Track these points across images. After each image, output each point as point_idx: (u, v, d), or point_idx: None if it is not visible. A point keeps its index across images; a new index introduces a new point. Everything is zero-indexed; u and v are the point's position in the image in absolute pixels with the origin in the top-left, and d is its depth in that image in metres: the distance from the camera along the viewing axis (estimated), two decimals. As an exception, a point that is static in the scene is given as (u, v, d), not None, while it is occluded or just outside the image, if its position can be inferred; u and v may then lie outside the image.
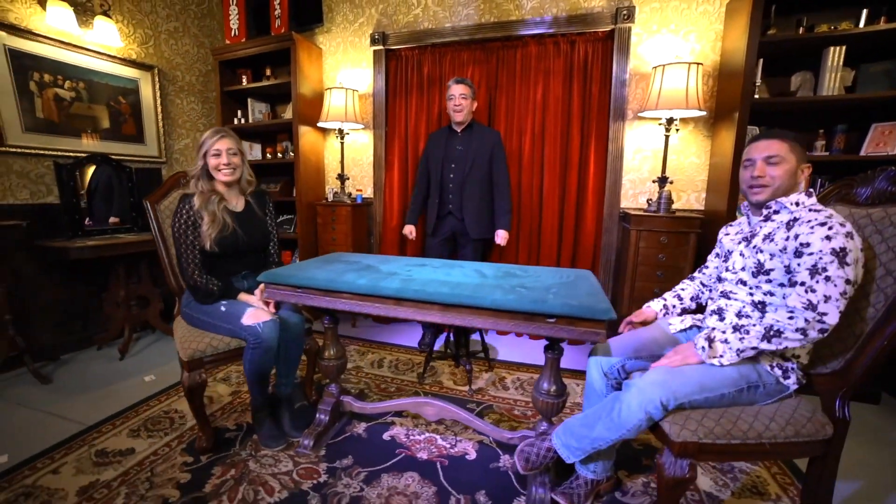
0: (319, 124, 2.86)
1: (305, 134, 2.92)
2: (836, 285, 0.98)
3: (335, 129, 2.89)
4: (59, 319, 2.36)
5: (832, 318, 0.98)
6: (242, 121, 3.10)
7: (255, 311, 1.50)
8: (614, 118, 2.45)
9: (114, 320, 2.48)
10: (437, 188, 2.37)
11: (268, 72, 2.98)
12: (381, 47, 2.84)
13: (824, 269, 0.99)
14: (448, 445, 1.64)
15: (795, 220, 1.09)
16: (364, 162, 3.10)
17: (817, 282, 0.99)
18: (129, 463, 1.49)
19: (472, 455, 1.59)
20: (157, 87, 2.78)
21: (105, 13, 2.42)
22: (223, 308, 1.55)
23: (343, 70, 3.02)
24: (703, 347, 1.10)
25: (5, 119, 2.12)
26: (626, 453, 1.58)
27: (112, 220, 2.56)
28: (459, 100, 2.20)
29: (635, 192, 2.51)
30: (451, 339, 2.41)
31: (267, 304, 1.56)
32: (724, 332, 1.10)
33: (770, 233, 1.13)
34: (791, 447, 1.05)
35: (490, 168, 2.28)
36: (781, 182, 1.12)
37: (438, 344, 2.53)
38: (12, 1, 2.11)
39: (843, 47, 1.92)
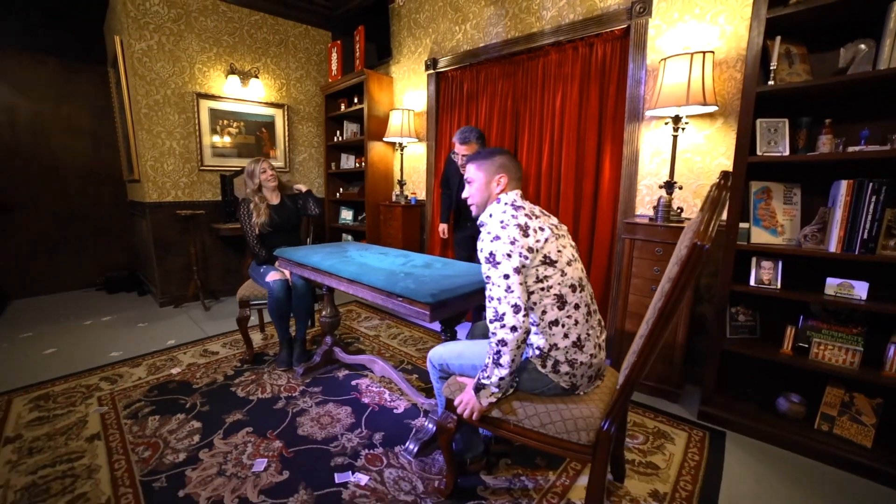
0: (384, 139, 3.62)
1: (375, 147, 3.75)
2: (498, 286, 1.13)
3: (397, 143, 3.62)
4: (220, 274, 3.82)
5: (509, 317, 1.12)
6: (340, 138, 4.15)
7: (273, 273, 2.32)
8: (629, 119, 2.36)
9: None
10: (457, 202, 2.71)
11: (356, 100, 3.92)
12: (432, 71, 3.40)
13: (488, 277, 1.17)
14: (389, 399, 2.12)
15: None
16: (420, 169, 3.73)
17: (490, 288, 1.16)
18: (213, 358, 2.53)
19: (400, 410, 2.03)
20: (286, 118, 4.06)
21: (256, 76, 3.76)
22: (262, 269, 2.42)
23: (408, 92, 3.72)
24: (475, 391, 1.25)
25: (204, 150, 3.61)
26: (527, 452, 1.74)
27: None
28: (461, 159, 2.46)
29: (652, 198, 2.35)
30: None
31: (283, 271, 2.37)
32: (482, 373, 1.22)
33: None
34: (545, 439, 1.17)
35: None
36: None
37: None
38: (211, 78, 3.56)
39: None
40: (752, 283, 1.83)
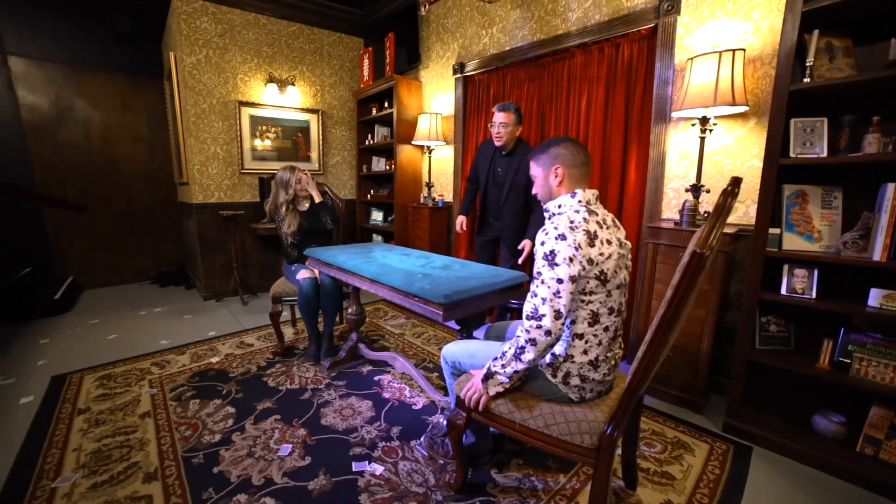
0: (413, 143, 3.73)
1: (404, 150, 3.86)
2: (549, 287, 1.09)
3: (425, 146, 3.71)
4: (257, 271, 4.08)
5: (547, 320, 1.09)
6: (371, 141, 4.31)
7: (303, 272, 2.47)
8: (656, 121, 2.32)
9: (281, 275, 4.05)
10: (482, 200, 2.77)
11: (386, 104, 4.06)
12: (459, 75, 3.47)
13: (539, 273, 1.11)
14: (408, 395, 2.20)
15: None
16: (448, 172, 3.80)
17: (537, 285, 1.12)
18: (248, 349, 2.73)
19: (418, 406, 2.11)
20: (321, 123, 4.26)
21: (292, 83, 3.98)
22: (293, 268, 2.59)
23: (436, 96, 3.80)
24: (483, 380, 1.29)
25: (244, 154, 3.87)
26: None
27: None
28: (499, 127, 2.44)
29: (679, 202, 2.29)
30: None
31: (312, 269, 2.51)
32: (495, 361, 1.25)
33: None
34: (549, 440, 1.20)
35: (528, 188, 2.55)
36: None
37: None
38: (252, 87, 3.82)
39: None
40: (783, 291, 1.76)
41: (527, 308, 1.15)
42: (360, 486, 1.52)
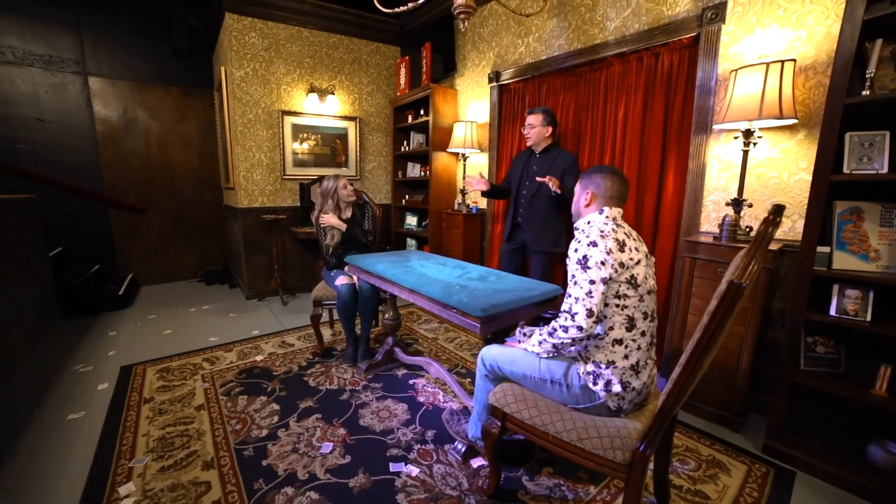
0: (448, 150, 3.82)
1: (439, 157, 3.96)
2: (581, 287, 1.21)
3: (460, 153, 3.79)
4: (297, 272, 4.30)
5: (580, 317, 1.22)
6: (406, 148, 4.43)
7: (342, 277, 2.61)
8: (696, 132, 2.28)
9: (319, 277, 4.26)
10: (513, 200, 2.91)
11: (422, 112, 4.17)
12: (495, 83, 3.52)
13: (573, 276, 1.24)
14: (442, 400, 2.29)
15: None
16: (480, 178, 3.87)
17: (571, 287, 1.25)
18: (289, 349, 2.90)
19: (453, 409, 2.19)
20: (358, 130, 4.43)
21: (332, 92, 4.17)
22: (332, 274, 2.74)
23: (472, 104, 3.87)
24: (520, 338, 1.50)
25: (286, 161, 4.09)
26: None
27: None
28: (528, 128, 2.71)
29: (718, 215, 2.25)
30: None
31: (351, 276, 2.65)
32: (535, 328, 1.45)
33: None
34: (582, 453, 1.25)
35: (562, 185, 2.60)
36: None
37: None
38: (294, 97, 4.04)
39: None
40: (832, 312, 1.71)
41: (563, 307, 1.28)
42: (398, 486, 1.62)
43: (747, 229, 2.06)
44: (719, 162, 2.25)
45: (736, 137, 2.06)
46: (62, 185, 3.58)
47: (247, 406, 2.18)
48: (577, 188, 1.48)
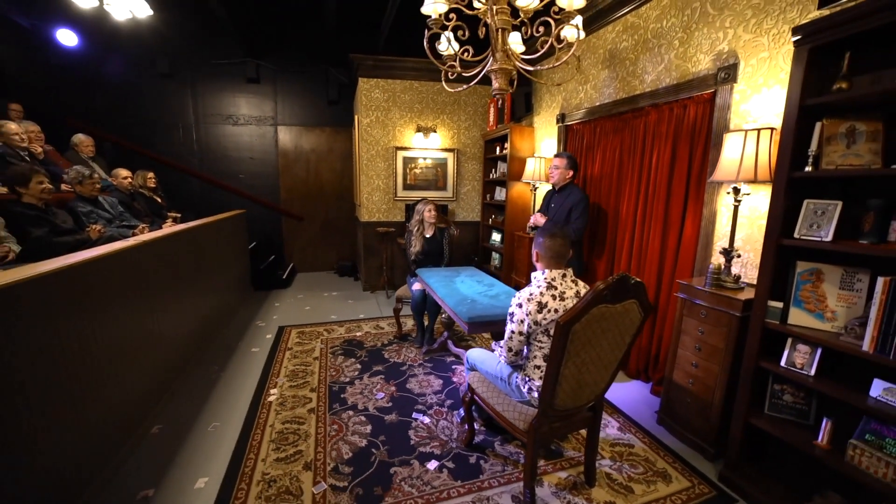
0: (521, 181, 4.52)
1: (515, 185, 4.70)
2: (507, 333, 1.89)
3: (531, 183, 4.46)
4: (399, 274, 5.58)
5: (504, 351, 1.91)
6: (494, 175, 5.27)
7: (417, 284, 3.65)
8: (710, 181, 2.56)
9: (416, 279, 5.44)
10: None
11: (506, 146, 4.94)
12: (561, 124, 4.09)
13: (508, 320, 1.91)
14: (468, 384, 3.13)
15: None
16: (549, 204, 4.46)
17: (505, 328, 1.93)
18: (380, 331, 4.10)
19: (471, 393, 3.01)
20: (456, 159, 5.46)
21: (434, 130, 5.29)
22: (411, 280, 3.81)
23: (545, 140, 4.48)
24: (495, 347, 2.17)
25: (397, 186, 5.39)
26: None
27: (425, 229, 5.51)
28: (552, 169, 3.36)
29: (723, 261, 2.49)
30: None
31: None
32: (501, 353, 2.08)
33: None
34: (505, 421, 1.96)
35: (568, 216, 3.21)
36: None
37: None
38: (405, 135, 5.29)
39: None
40: (783, 363, 1.94)
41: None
42: (412, 427, 2.55)
43: (736, 277, 2.31)
44: (728, 210, 2.49)
45: (728, 193, 2.33)
46: (260, 201, 5.58)
47: (342, 363, 3.40)
48: (533, 246, 2.02)
